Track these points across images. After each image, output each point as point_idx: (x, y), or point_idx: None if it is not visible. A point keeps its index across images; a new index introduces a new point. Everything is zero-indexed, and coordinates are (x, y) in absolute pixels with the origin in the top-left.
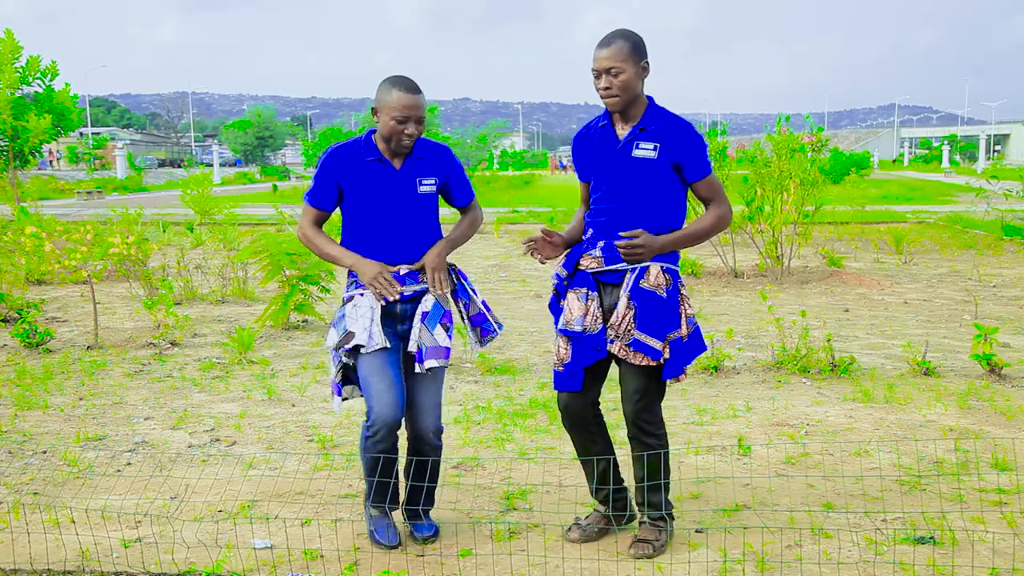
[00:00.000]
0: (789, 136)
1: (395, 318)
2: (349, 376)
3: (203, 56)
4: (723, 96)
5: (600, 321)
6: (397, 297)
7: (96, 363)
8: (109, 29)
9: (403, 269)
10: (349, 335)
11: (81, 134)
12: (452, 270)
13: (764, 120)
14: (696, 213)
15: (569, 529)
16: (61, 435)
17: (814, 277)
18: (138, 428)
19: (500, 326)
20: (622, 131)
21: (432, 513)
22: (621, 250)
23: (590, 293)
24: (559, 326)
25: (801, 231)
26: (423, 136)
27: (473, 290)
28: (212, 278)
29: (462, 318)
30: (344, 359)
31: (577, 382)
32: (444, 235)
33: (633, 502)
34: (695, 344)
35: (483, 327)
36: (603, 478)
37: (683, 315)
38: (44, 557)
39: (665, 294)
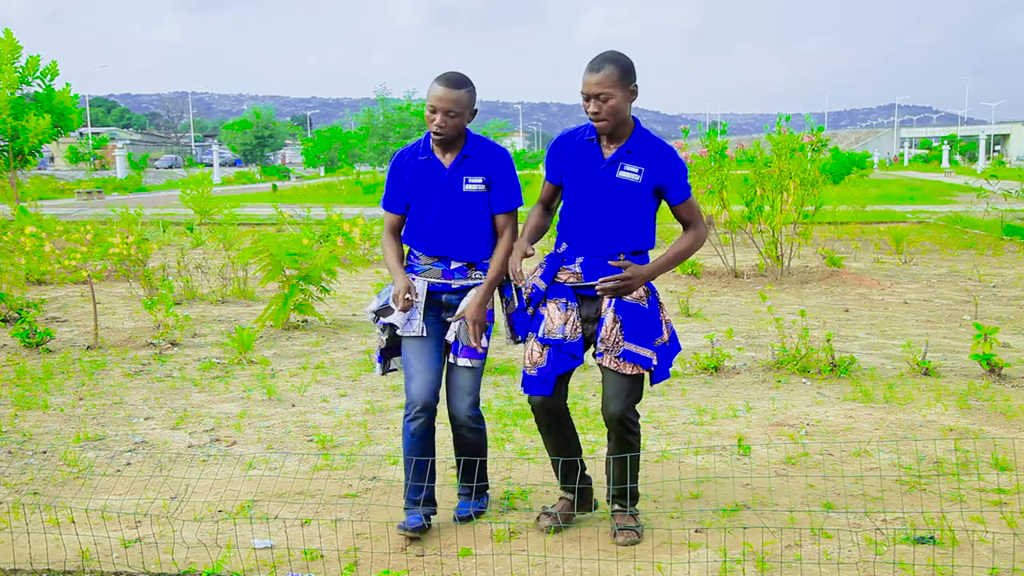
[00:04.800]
0: (789, 136)
1: (442, 306)
2: (393, 349)
3: (203, 56)
4: (723, 96)
5: (579, 331)
6: (400, 312)
7: (96, 363)
8: (109, 29)
9: (455, 279)
10: (388, 309)
11: (81, 134)
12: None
13: (764, 120)
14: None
15: (539, 518)
16: (61, 435)
17: (814, 277)
18: (138, 428)
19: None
20: (607, 150)
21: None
22: (609, 286)
23: (570, 303)
24: (539, 334)
25: (801, 231)
26: (483, 136)
27: (519, 291)
28: (212, 278)
29: (504, 313)
30: (381, 333)
31: (549, 387)
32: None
33: (593, 493)
34: (674, 345)
35: (515, 327)
36: (572, 471)
37: (663, 321)
38: (44, 557)
39: (647, 304)
